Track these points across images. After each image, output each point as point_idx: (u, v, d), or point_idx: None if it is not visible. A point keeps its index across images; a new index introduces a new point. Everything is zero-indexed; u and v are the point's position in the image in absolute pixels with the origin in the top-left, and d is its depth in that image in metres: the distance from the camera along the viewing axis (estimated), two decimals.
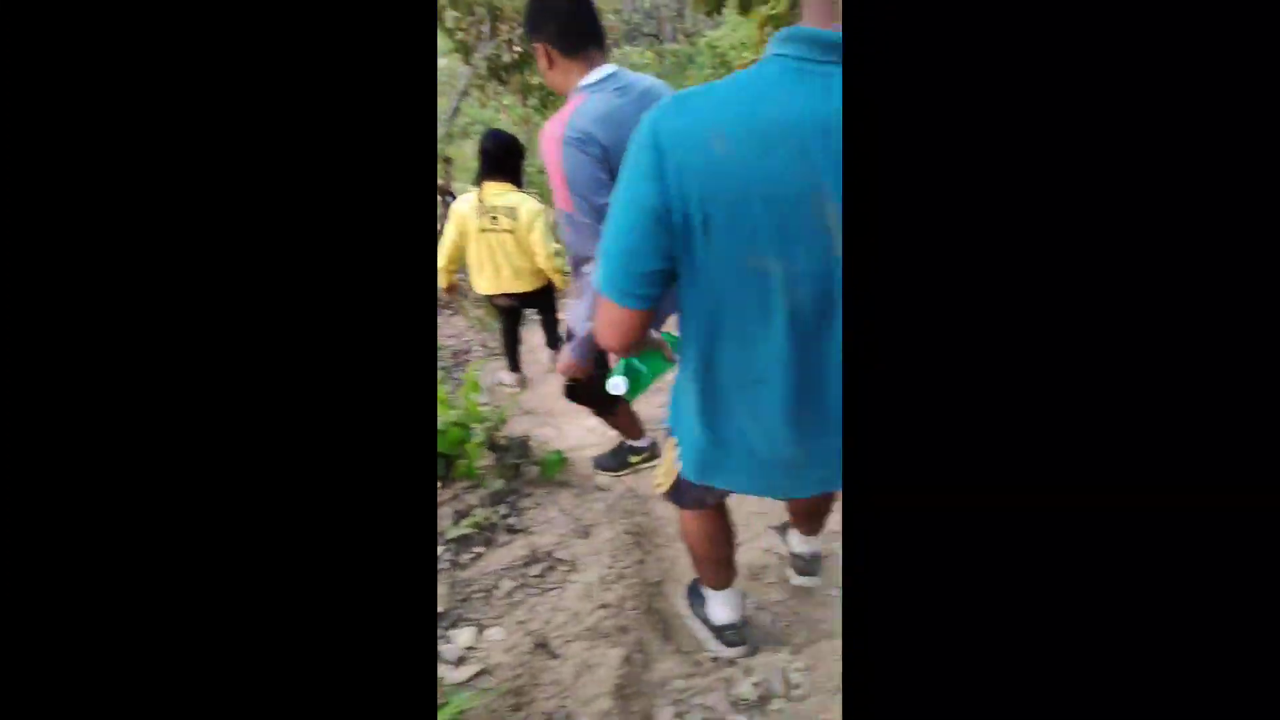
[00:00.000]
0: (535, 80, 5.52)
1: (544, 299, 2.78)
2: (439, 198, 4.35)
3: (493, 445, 2.02)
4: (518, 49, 5.12)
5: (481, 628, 1.44)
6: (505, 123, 6.19)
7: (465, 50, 5.24)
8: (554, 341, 2.93)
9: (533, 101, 5.79)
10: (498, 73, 5.48)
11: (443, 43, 5.29)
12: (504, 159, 2.49)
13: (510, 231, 2.48)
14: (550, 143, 1.31)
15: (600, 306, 0.88)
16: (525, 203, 2.49)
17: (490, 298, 2.71)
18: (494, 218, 2.46)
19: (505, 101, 5.93)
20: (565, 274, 2.47)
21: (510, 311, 2.80)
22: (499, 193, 2.49)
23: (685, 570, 1.70)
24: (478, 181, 2.53)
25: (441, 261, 2.62)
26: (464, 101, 5.93)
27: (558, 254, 2.55)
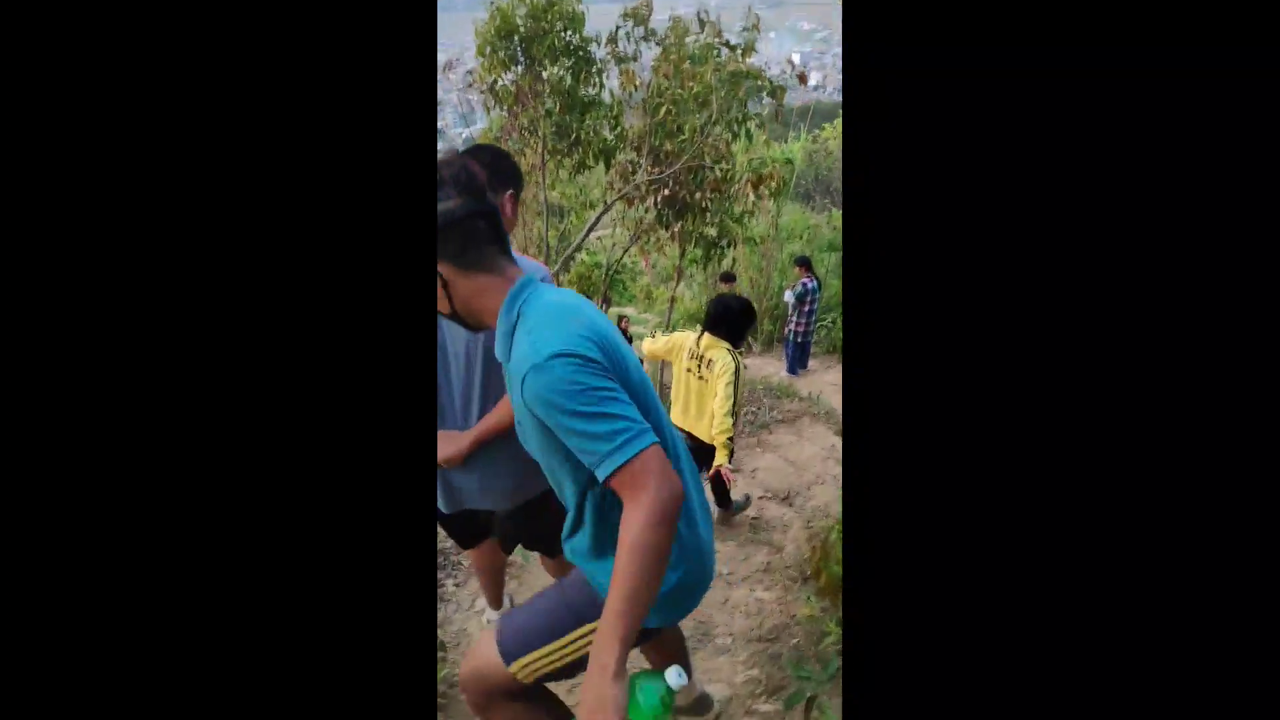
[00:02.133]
0: (703, 230, 5.01)
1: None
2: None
3: None
4: (680, 193, 4.62)
5: None
6: (648, 275, 5.73)
7: (624, 179, 4.83)
8: (721, 500, 3.14)
9: (695, 252, 5.25)
10: (664, 218, 5.00)
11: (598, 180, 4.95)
12: (723, 321, 2.79)
13: (704, 380, 2.79)
14: None
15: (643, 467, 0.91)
16: (723, 359, 2.75)
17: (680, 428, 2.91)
18: (698, 363, 2.80)
19: (664, 250, 5.43)
20: (726, 443, 2.72)
21: (694, 451, 2.87)
22: (711, 345, 2.80)
23: None
24: (703, 330, 2.84)
25: (643, 350, 3.10)
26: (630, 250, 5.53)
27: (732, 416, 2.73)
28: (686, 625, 2.42)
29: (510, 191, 1.46)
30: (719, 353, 2.77)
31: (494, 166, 1.44)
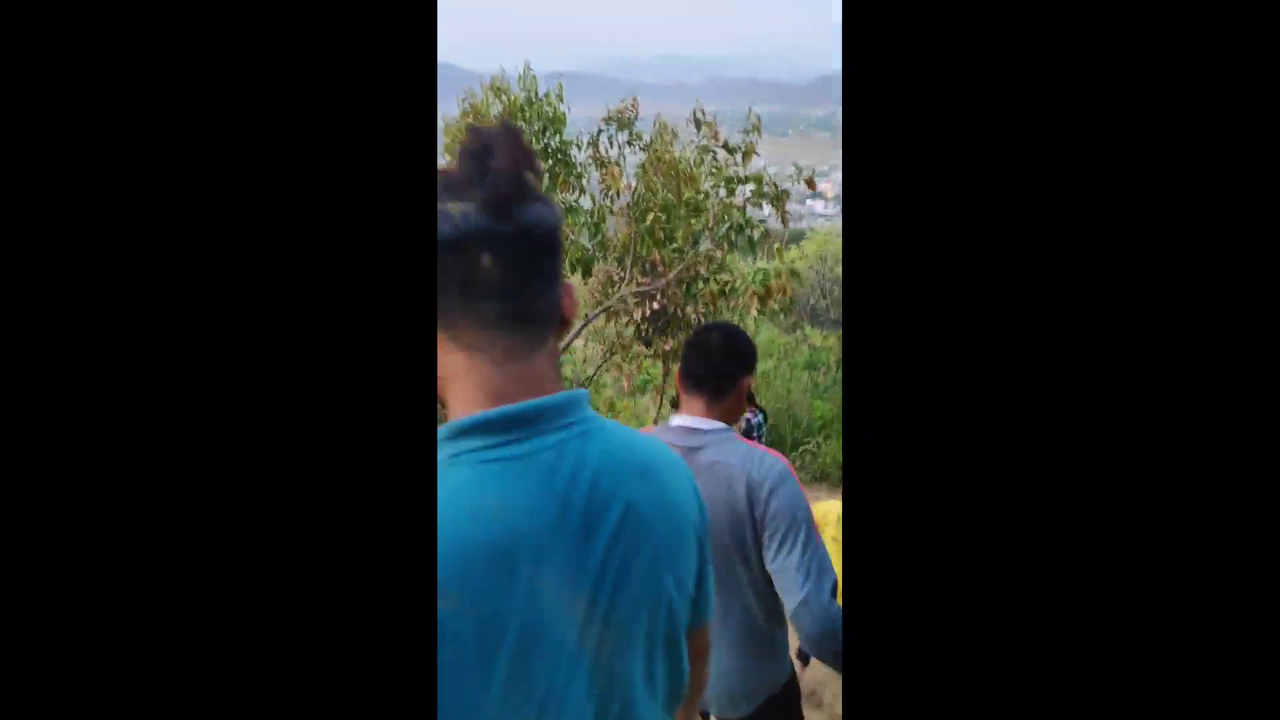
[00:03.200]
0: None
1: None
2: None
3: None
4: (670, 308, 4.05)
5: None
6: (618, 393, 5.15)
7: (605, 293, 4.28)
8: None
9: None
10: (644, 333, 4.43)
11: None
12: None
13: None
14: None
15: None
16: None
17: None
18: None
19: (641, 365, 4.84)
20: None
21: None
22: None
23: None
24: None
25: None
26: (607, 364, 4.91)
27: None
28: None
29: (747, 378, 1.31)
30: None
31: (726, 348, 1.26)
